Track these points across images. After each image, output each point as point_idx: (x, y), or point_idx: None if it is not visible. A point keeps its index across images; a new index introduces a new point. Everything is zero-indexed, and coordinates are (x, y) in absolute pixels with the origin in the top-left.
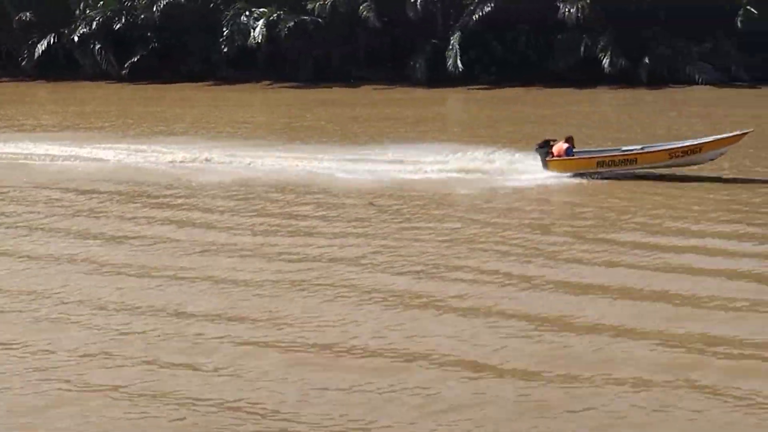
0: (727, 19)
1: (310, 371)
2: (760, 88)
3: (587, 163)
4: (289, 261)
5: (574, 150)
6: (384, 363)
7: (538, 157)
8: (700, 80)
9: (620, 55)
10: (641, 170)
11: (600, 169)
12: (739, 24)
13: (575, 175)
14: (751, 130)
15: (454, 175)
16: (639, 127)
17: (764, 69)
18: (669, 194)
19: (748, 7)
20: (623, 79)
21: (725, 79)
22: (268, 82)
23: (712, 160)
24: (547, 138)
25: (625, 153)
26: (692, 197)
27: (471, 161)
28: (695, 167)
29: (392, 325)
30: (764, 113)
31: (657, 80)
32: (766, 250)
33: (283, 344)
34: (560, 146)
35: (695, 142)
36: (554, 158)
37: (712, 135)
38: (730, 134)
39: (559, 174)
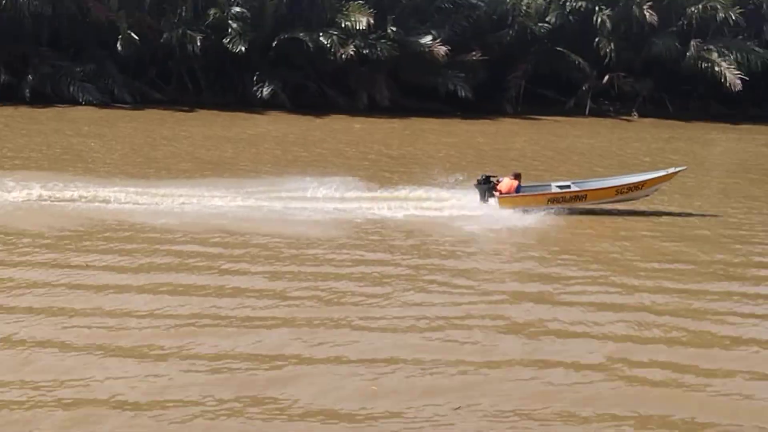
0: (110, 43)
1: None
2: (143, 109)
3: (538, 200)
4: None
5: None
6: None
7: (475, 192)
8: (83, 100)
9: (3, 72)
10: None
11: (551, 206)
12: (119, 48)
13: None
14: (685, 167)
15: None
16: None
17: (143, 92)
18: None
19: (129, 32)
20: (6, 96)
21: (108, 100)
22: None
23: (647, 196)
24: (488, 174)
25: (576, 191)
26: None
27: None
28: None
29: None
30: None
31: (41, 98)
32: None
33: None
34: (510, 183)
35: (638, 180)
36: (505, 195)
37: (647, 172)
38: (666, 173)
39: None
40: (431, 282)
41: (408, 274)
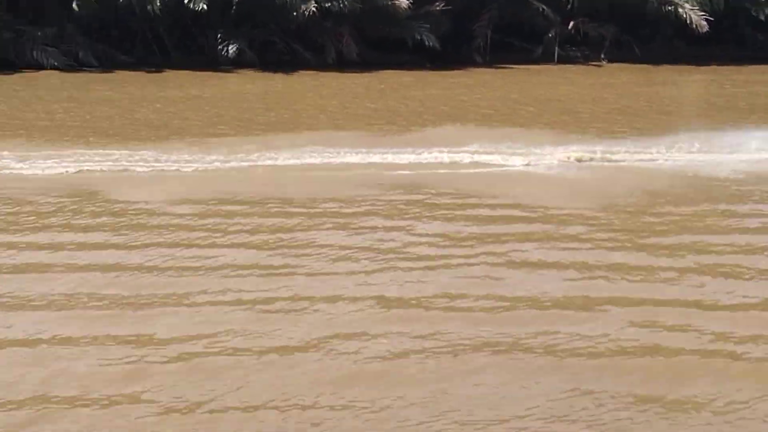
0: (69, 4)
1: None
2: (112, 72)
3: None
4: None
5: None
6: None
7: None
8: (47, 65)
9: None
10: None
11: None
12: (76, 8)
13: None
14: None
15: None
16: None
17: (108, 54)
18: None
19: None
20: None
21: (73, 63)
22: None
23: None
24: None
25: None
26: None
27: None
28: None
29: None
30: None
31: (5, 65)
32: None
33: None
34: None
35: None
36: None
37: None
38: None
39: None
40: None
41: None
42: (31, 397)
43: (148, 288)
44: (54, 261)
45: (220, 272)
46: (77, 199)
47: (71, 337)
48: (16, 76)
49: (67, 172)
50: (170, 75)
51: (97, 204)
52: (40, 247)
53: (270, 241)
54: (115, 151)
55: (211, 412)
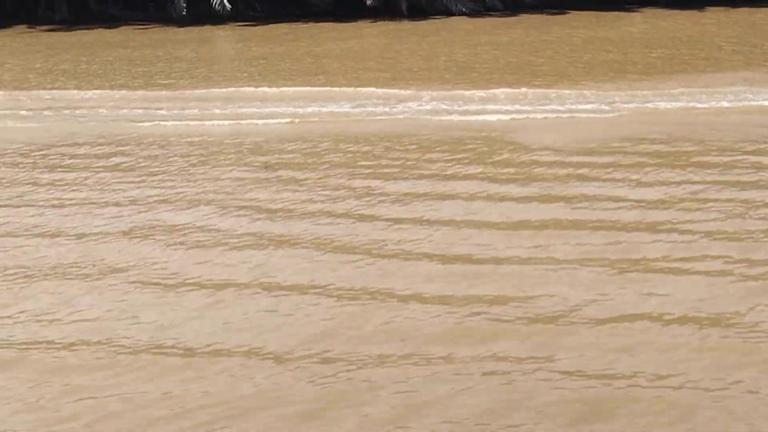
0: None
1: None
2: (519, 15)
3: None
4: None
5: None
6: None
7: None
8: (456, 11)
9: None
10: None
11: None
12: None
13: None
14: None
15: None
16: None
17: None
18: None
19: None
20: (384, 11)
21: (481, 8)
22: (22, 27)
23: None
24: None
25: None
26: None
27: None
28: None
29: None
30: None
31: (417, 12)
32: None
33: None
34: None
35: None
36: None
37: None
38: None
39: None
40: None
41: None
42: None
43: None
44: None
45: None
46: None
47: None
48: (428, 23)
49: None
50: (573, 16)
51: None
52: None
53: None
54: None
55: None
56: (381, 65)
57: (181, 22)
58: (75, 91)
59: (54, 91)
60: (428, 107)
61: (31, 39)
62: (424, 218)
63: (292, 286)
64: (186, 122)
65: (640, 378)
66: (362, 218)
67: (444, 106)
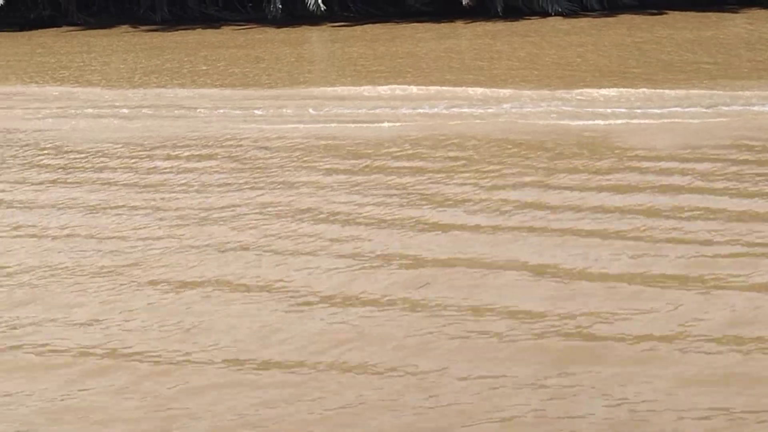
0: None
1: None
2: (617, 15)
3: None
4: None
5: None
6: None
7: None
8: (552, 11)
9: None
10: None
11: None
12: None
13: None
14: None
15: None
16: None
17: (611, 1)
18: None
19: None
20: (479, 12)
21: (576, 8)
22: (125, 27)
23: None
24: None
25: None
26: None
27: None
28: None
29: None
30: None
31: (511, 12)
32: None
33: None
34: None
35: None
36: None
37: None
38: None
39: None
40: None
41: None
42: None
43: None
44: None
45: None
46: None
47: None
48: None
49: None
50: (673, 16)
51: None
52: None
53: None
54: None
55: None
56: (478, 66)
57: (277, 22)
58: (178, 90)
59: (158, 90)
60: (526, 110)
61: (134, 39)
62: (524, 227)
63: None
64: (282, 124)
65: None
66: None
67: (542, 108)
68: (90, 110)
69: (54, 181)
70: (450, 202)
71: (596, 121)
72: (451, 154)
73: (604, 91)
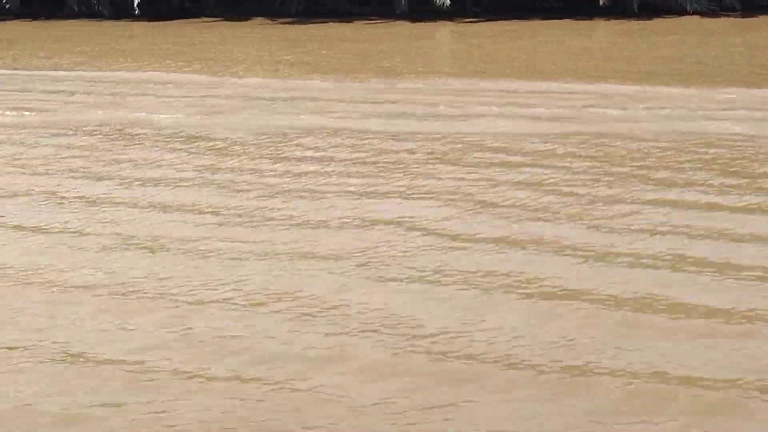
0: None
1: None
2: (757, 16)
3: None
4: None
5: None
6: None
7: None
8: (690, 9)
9: None
10: None
11: None
12: None
13: None
14: None
15: None
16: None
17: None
18: None
19: None
20: (616, 9)
21: (716, 7)
22: (261, 20)
23: None
24: None
25: None
26: None
27: None
28: None
29: None
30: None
31: (647, 10)
32: None
33: None
34: None
35: None
36: None
37: None
38: None
39: None
40: None
41: None
42: None
43: None
44: None
45: None
46: None
47: None
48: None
49: None
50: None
51: None
52: None
53: None
54: None
55: None
56: (621, 64)
57: (404, 17)
58: (317, 82)
59: (298, 81)
60: (666, 112)
61: (272, 31)
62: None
63: None
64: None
65: None
66: (602, 227)
67: (687, 110)
68: None
69: None
70: (579, 203)
71: (740, 125)
72: (593, 152)
73: (745, 92)
